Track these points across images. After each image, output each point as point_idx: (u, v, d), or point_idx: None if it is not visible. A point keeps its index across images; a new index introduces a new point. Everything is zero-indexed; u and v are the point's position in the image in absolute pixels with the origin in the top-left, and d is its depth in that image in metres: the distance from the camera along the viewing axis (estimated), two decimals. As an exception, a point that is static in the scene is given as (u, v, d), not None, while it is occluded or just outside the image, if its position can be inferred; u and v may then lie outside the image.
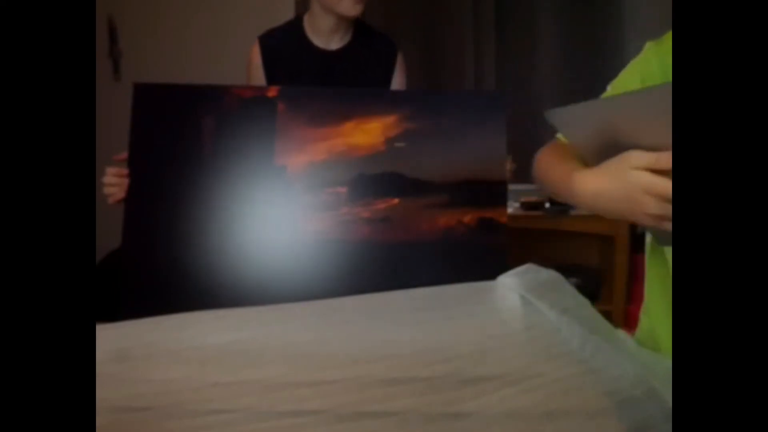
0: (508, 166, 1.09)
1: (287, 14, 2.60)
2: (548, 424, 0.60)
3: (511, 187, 2.45)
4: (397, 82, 1.43)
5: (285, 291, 0.91)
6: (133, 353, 0.68)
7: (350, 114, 0.98)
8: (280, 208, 0.96)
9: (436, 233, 0.98)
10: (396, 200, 0.97)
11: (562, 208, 2.27)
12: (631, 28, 2.44)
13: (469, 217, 0.99)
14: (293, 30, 1.40)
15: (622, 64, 2.56)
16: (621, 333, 0.83)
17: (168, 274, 0.94)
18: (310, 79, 1.36)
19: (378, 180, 0.97)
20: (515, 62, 2.56)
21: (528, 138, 2.57)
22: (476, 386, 0.63)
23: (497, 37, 2.54)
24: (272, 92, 1.00)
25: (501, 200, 1.02)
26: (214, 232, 0.94)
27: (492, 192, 1.01)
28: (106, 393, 0.59)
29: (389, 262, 0.97)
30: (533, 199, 2.28)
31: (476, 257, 0.97)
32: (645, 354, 0.78)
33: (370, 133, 0.98)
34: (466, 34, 2.50)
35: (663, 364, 0.74)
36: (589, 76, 2.50)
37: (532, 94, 2.55)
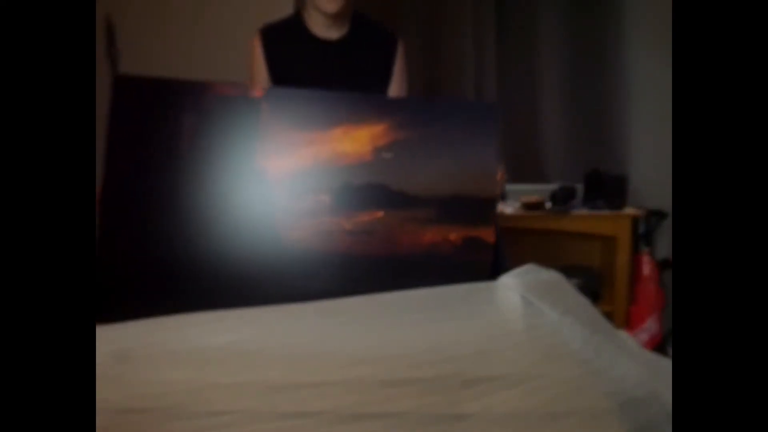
0: (499, 176, 1.03)
1: (286, 14, 2.59)
2: (551, 425, 0.59)
3: (512, 187, 2.45)
4: (397, 71, 1.41)
5: (258, 296, 0.87)
6: (133, 354, 0.67)
7: (339, 120, 0.95)
8: (259, 213, 0.92)
9: (420, 250, 0.94)
10: (380, 213, 0.94)
11: (563, 207, 2.27)
12: (632, 33, 2.44)
13: (454, 235, 0.95)
14: (293, 21, 1.41)
15: (623, 68, 2.55)
16: (623, 334, 0.83)
17: (140, 273, 0.91)
18: (310, 68, 1.34)
19: (363, 191, 0.94)
20: (516, 67, 2.56)
21: (529, 140, 2.58)
22: (478, 387, 0.63)
23: (498, 41, 2.54)
24: (257, 92, 0.97)
25: (489, 219, 0.97)
26: (188, 233, 0.91)
27: (480, 210, 0.96)
28: (106, 394, 0.59)
29: (370, 276, 0.93)
30: (534, 199, 2.27)
31: (460, 277, 0.92)
32: (647, 355, 0.78)
33: (358, 141, 0.94)
34: (467, 38, 2.50)
35: (664, 365, 0.74)
36: (590, 79, 2.50)
37: (533, 98, 2.55)
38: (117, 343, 0.69)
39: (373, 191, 0.94)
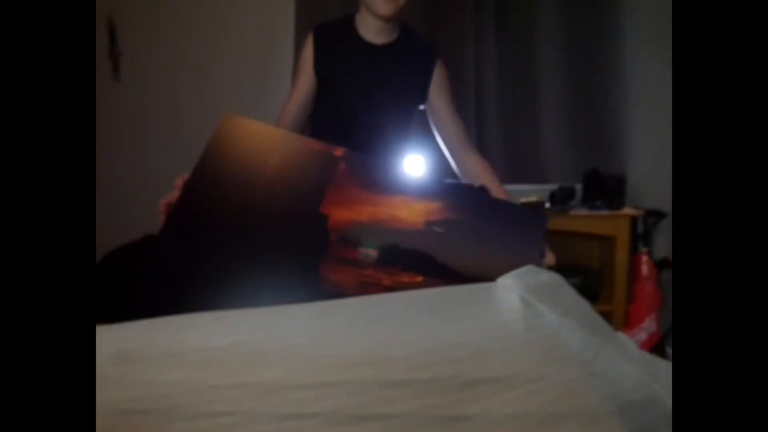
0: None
1: (287, 14, 2.59)
2: (550, 428, 0.60)
3: (511, 187, 2.46)
4: (446, 88, 1.58)
5: None
6: (132, 355, 0.67)
7: (401, 190, 1.04)
8: (308, 250, 0.99)
9: None
10: (420, 278, 0.99)
11: (562, 208, 2.27)
12: (631, 33, 2.44)
13: None
14: (345, 23, 1.56)
15: (622, 68, 2.56)
16: (622, 336, 0.83)
17: (190, 286, 0.96)
18: (353, 67, 1.51)
19: (409, 254, 1.00)
20: (515, 66, 2.56)
21: (528, 141, 2.58)
22: (478, 389, 0.63)
23: (497, 41, 2.54)
24: (338, 152, 1.06)
25: None
26: (239, 258, 0.97)
27: None
28: (105, 395, 0.59)
29: None
30: (533, 199, 2.28)
31: None
32: (646, 357, 0.78)
33: (414, 211, 1.02)
34: (467, 38, 2.50)
35: (664, 367, 0.74)
36: (589, 79, 2.51)
37: (532, 98, 2.55)
38: (117, 344, 0.69)
39: (418, 257, 1.00)
